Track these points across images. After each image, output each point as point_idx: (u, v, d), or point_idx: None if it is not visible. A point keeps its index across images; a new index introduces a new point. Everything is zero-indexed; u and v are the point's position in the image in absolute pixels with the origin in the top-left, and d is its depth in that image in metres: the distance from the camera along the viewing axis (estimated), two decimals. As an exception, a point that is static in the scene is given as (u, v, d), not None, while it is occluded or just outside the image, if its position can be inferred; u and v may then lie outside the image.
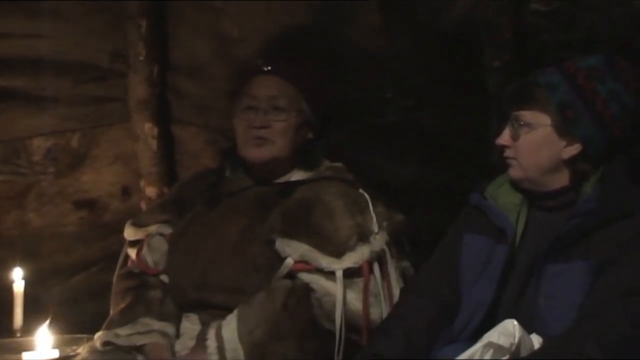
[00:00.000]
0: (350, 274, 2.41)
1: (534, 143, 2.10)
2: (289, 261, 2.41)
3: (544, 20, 2.48)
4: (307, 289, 2.40)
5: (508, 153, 2.14)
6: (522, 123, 2.11)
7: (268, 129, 2.55)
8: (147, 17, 3.21)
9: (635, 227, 1.98)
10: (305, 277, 2.41)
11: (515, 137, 2.12)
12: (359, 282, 2.42)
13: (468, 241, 2.19)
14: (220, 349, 2.33)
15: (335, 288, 2.38)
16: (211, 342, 2.34)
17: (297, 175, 2.61)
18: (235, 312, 2.37)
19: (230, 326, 2.35)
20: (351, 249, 2.42)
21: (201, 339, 2.38)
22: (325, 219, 2.47)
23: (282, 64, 2.65)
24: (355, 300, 2.40)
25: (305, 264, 2.41)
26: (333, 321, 2.37)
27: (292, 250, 2.42)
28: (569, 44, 2.32)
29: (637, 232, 1.97)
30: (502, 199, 2.18)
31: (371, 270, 2.43)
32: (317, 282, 2.40)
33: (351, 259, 2.41)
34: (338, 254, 2.41)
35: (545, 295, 2.02)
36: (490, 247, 2.14)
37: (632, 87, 2.08)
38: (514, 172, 2.14)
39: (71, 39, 3.17)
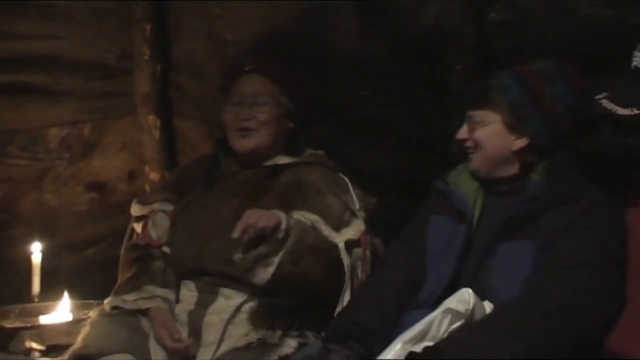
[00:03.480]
0: (350, 245, 2.45)
1: (486, 137, 2.12)
2: None
3: (500, 29, 2.47)
4: None
5: (468, 144, 2.16)
6: (476, 121, 2.14)
7: (252, 120, 2.59)
8: (151, 22, 3.22)
9: (577, 211, 1.98)
10: None
11: (471, 133, 2.15)
12: (358, 252, 2.47)
13: (433, 222, 2.20)
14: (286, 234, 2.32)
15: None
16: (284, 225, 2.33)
17: (282, 160, 2.63)
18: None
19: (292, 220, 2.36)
20: (346, 224, 2.48)
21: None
22: (318, 197, 2.51)
23: (263, 64, 2.69)
24: (357, 267, 2.46)
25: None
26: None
27: (306, 219, 2.44)
28: (521, 50, 2.31)
29: (578, 215, 1.98)
30: (463, 185, 2.20)
31: (366, 241, 2.48)
32: None
33: (349, 233, 2.46)
34: (336, 228, 2.46)
35: (498, 269, 2.03)
36: (452, 227, 2.15)
37: (576, 89, 2.09)
38: (474, 164, 2.16)
39: (83, 40, 3.17)
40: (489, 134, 2.13)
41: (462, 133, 2.17)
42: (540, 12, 2.41)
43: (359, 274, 2.45)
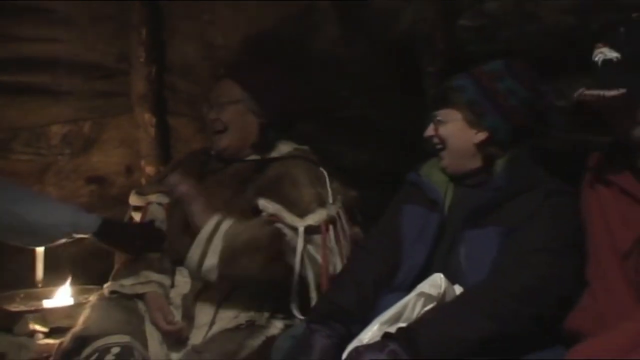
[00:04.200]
0: (311, 231, 2.47)
1: (450, 133, 2.18)
2: (265, 214, 2.48)
3: (470, 34, 2.49)
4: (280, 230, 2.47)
5: (435, 141, 2.21)
6: (440, 120, 2.19)
7: (218, 121, 2.62)
8: (147, 26, 3.25)
9: (536, 200, 2.03)
10: (278, 225, 2.46)
11: (436, 131, 2.20)
12: (318, 238, 2.48)
13: (407, 211, 2.22)
14: (210, 238, 2.39)
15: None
16: (207, 229, 2.40)
17: (266, 154, 2.65)
18: (232, 220, 2.44)
19: (225, 224, 2.42)
20: (312, 211, 2.49)
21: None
22: (292, 188, 2.53)
23: (230, 68, 2.73)
24: (314, 251, 2.47)
25: (277, 217, 2.47)
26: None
27: (269, 207, 2.48)
28: (490, 54, 2.31)
29: (537, 204, 2.02)
30: (434, 177, 2.23)
31: (327, 229, 2.50)
32: (286, 229, 2.46)
33: (311, 219, 2.48)
34: (301, 215, 2.47)
35: (466, 254, 2.07)
36: (424, 216, 2.17)
37: (526, 83, 2.15)
38: (444, 161, 2.20)
39: (84, 43, 3.19)
40: (452, 130, 2.18)
41: (429, 131, 2.22)
42: (507, 19, 2.45)
43: (319, 258, 2.46)
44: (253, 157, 2.68)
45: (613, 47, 1.83)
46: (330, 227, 2.51)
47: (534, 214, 2.02)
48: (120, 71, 3.31)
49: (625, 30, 1.86)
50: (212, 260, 2.38)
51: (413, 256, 2.15)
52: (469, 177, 2.19)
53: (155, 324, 2.45)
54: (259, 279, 2.43)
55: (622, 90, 1.78)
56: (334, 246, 2.50)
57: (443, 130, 2.19)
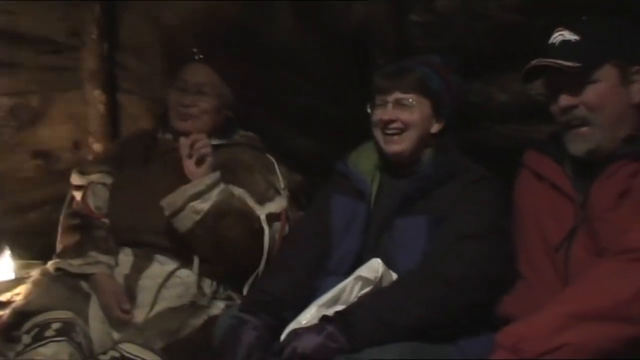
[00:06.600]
0: (271, 219, 2.47)
1: (418, 120, 2.17)
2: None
3: (419, 30, 2.50)
4: None
5: (395, 125, 2.18)
6: (407, 104, 2.16)
7: (194, 107, 2.58)
8: (100, 3, 3.19)
9: (461, 186, 2.08)
10: None
11: (401, 115, 2.17)
12: (275, 225, 2.48)
13: (335, 200, 2.22)
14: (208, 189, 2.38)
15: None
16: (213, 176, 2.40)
17: (215, 141, 2.61)
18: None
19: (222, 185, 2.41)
20: (270, 199, 2.50)
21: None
22: (247, 174, 2.52)
23: (211, 55, 2.66)
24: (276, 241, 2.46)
25: None
26: None
27: (234, 189, 2.46)
28: (436, 49, 2.36)
29: (462, 190, 2.07)
30: (361, 166, 2.23)
31: (287, 217, 2.50)
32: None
33: (272, 207, 2.49)
34: (260, 202, 2.47)
35: (396, 243, 2.09)
36: (352, 206, 2.18)
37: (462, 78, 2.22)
38: (401, 145, 2.17)
39: (35, 16, 3.12)
40: (419, 117, 2.17)
41: (390, 114, 2.18)
42: (456, 16, 2.47)
43: (277, 246, 2.46)
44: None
45: (573, 30, 1.88)
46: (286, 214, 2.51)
47: (458, 199, 2.06)
48: (71, 47, 3.24)
49: (587, 19, 1.94)
50: (202, 205, 2.36)
51: (346, 244, 2.16)
52: (406, 166, 2.20)
53: (106, 308, 2.41)
54: (233, 247, 2.42)
55: (578, 64, 1.84)
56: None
57: (409, 116, 2.17)
